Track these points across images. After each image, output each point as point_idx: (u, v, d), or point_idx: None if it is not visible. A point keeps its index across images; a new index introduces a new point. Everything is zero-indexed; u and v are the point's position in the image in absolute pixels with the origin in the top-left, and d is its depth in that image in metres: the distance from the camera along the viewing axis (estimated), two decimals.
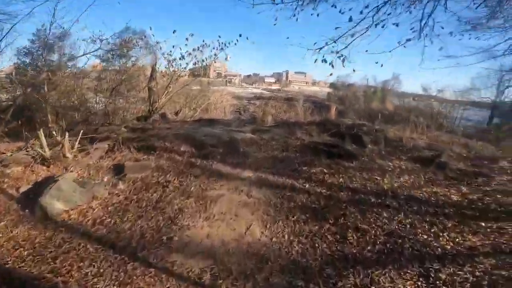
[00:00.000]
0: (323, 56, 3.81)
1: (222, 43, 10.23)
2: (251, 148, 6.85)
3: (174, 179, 5.16)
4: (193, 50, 11.30)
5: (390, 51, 4.27)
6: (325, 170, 5.83)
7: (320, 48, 3.81)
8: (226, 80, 75.37)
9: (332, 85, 46.24)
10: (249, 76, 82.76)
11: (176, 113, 13.74)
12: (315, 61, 3.90)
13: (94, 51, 10.60)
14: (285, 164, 6.04)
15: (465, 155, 8.11)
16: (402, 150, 8.17)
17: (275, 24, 4.01)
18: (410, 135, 10.47)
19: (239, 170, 5.65)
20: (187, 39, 10.06)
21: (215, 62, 11.71)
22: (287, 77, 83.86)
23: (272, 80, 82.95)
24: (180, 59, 11.50)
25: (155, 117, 11.66)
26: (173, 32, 10.32)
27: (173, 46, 11.39)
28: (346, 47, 3.79)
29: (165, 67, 12.64)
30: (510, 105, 27.63)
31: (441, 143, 10.02)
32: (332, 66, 3.78)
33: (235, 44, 10.13)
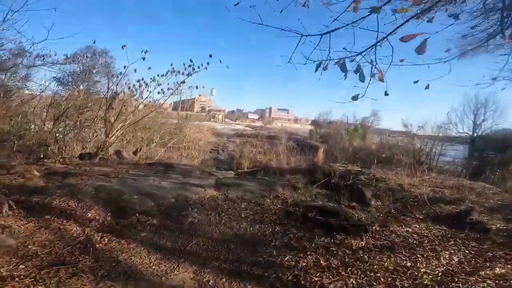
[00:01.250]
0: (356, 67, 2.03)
1: (189, 66, 8.30)
2: (206, 217, 4.49)
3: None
4: (158, 76, 9.26)
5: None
6: (322, 262, 3.52)
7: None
8: (210, 115, 74.29)
9: (313, 122, 45.63)
10: (232, 111, 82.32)
11: (136, 152, 11.32)
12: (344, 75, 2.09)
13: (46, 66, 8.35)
14: (255, 251, 3.69)
15: (486, 204, 6.27)
16: (414, 204, 6.23)
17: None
18: (410, 181, 8.61)
19: (172, 263, 3.23)
20: (143, 58, 8.02)
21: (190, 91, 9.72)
22: (270, 114, 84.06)
23: (256, 116, 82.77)
24: (140, 86, 9.36)
25: (104, 155, 9.22)
26: (144, 53, 7.96)
27: (125, 67, 9.11)
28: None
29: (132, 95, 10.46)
30: (490, 138, 27.33)
31: (447, 189, 8.19)
32: (362, 80, 1.98)
33: (206, 68, 8.21)
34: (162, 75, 9.01)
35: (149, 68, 8.86)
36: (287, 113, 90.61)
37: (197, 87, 9.94)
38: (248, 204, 5.14)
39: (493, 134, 27.53)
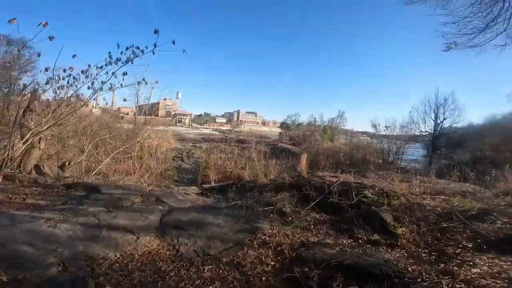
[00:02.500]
0: None
1: (127, 49, 5.65)
2: None
3: None
4: (89, 67, 6.40)
5: None
6: None
7: None
8: (176, 120, 69.82)
9: (283, 125, 44.24)
10: (200, 115, 78.43)
11: (63, 166, 8.28)
12: None
13: None
14: None
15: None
16: (447, 227, 4.51)
17: None
18: (408, 190, 7.03)
19: None
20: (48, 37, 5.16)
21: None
22: (238, 117, 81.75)
23: (224, 120, 79.89)
24: (65, 82, 6.47)
25: (12, 171, 6.33)
26: (43, 26, 5.08)
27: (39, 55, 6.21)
28: None
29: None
30: (448, 137, 27.86)
31: (452, 196, 6.89)
32: None
33: (153, 52, 5.62)
34: (100, 67, 6.25)
35: (74, 55, 6.03)
36: (255, 116, 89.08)
37: (144, 80, 7.32)
38: (216, 269, 2.74)
39: (452, 133, 28.16)
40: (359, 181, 6.59)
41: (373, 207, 4.81)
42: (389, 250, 3.75)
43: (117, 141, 15.04)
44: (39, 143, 8.99)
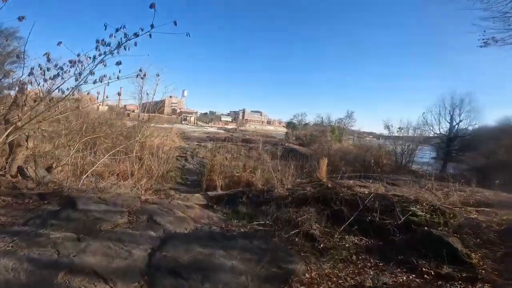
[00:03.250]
0: None
1: (117, 30, 4.52)
2: None
3: None
4: (78, 56, 5.29)
5: None
6: None
7: None
8: (181, 118, 68.84)
9: (290, 125, 42.93)
10: (205, 114, 77.42)
11: (49, 168, 7.23)
12: None
13: None
14: None
15: None
16: None
17: None
18: (448, 201, 5.93)
19: None
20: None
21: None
22: (243, 116, 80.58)
23: (229, 118, 78.80)
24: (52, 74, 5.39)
25: None
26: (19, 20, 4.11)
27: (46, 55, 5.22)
28: None
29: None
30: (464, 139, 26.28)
31: (497, 208, 5.77)
32: None
33: (149, 35, 4.50)
34: (93, 57, 5.15)
35: (59, 43, 4.92)
36: (260, 115, 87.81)
37: (141, 71, 6.19)
38: None
39: (468, 135, 26.59)
40: (399, 194, 5.38)
41: (437, 233, 3.61)
42: (469, 287, 2.66)
43: (117, 139, 14.05)
44: (27, 141, 7.96)
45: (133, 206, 4.04)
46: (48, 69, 5.17)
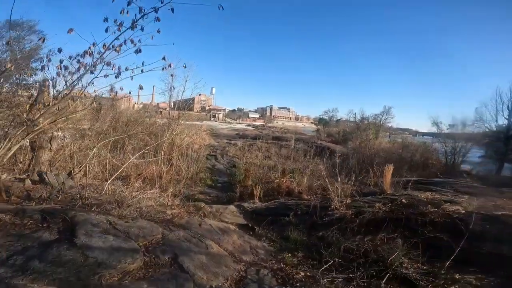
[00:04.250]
0: None
1: (141, 11, 3.51)
2: None
3: None
4: (93, 46, 4.40)
5: None
6: None
7: None
8: (210, 115, 69.32)
9: (321, 121, 40.68)
10: (233, 110, 77.22)
11: (70, 173, 6.54)
12: None
13: None
14: None
15: None
16: None
17: None
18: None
19: None
20: None
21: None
22: (271, 112, 79.08)
23: (256, 115, 77.81)
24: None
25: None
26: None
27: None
28: None
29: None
30: None
31: None
32: None
33: (172, 10, 3.42)
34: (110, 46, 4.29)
35: (71, 30, 4.10)
36: (288, 111, 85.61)
37: (166, 60, 5.14)
38: None
39: None
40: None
41: None
42: None
43: (148, 138, 13.52)
44: (50, 143, 7.43)
45: (152, 238, 2.96)
46: (61, 62, 4.37)
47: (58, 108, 4.58)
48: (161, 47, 4.38)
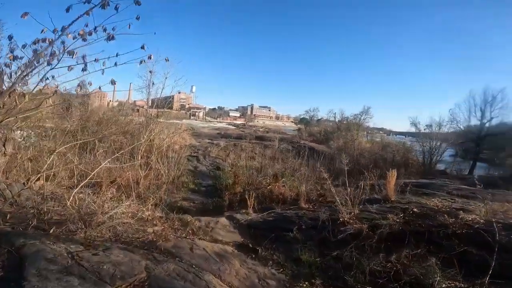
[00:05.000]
0: None
1: None
2: None
3: None
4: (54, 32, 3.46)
5: None
6: None
7: None
8: (190, 113, 67.24)
9: (303, 120, 40.74)
10: (214, 109, 75.59)
11: (28, 181, 5.47)
12: None
13: None
14: None
15: None
16: None
17: None
18: None
19: None
20: None
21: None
22: (251, 111, 78.50)
23: (237, 114, 76.84)
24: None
25: None
26: None
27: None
28: None
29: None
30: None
31: None
32: None
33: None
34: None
35: (25, 14, 3.16)
36: (269, 110, 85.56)
37: (144, 49, 4.32)
38: None
39: (500, 134, 24.07)
40: None
41: None
42: None
43: (124, 138, 12.32)
44: (4, 146, 6.22)
45: (133, 278, 2.20)
46: (12, 51, 3.45)
47: (2, 106, 3.60)
48: (139, 40, 3.57)
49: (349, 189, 4.51)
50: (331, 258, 3.23)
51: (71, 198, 5.36)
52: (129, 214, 4.29)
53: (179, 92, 65.68)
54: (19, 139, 9.07)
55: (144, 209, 4.59)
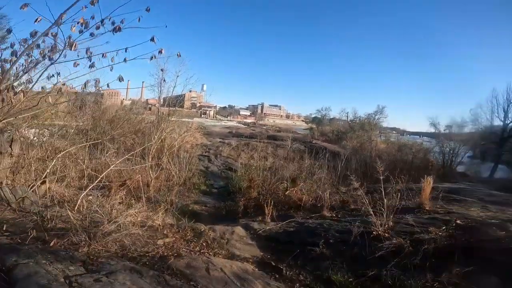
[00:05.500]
0: None
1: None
2: None
3: None
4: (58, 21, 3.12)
5: None
6: None
7: None
8: (201, 112, 67.35)
9: (315, 120, 39.82)
10: (224, 108, 75.54)
11: (34, 184, 5.22)
12: None
13: None
14: None
15: None
16: None
17: None
18: None
19: None
20: None
21: None
22: (262, 110, 78.00)
23: (247, 112, 76.54)
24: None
25: None
26: None
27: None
28: None
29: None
30: None
31: None
32: None
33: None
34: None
35: (25, 5, 2.81)
36: (279, 109, 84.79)
37: (154, 41, 3.95)
38: None
39: None
40: None
41: None
42: None
43: (136, 137, 12.14)
44: (10, 147, 6.01)
45: None
46: (12, 46, 3.15)
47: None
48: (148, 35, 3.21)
49: (385, 200, 3.97)
50: (368, 279, 2.76)
51: (78, 202, 5.10)
52: (138, 223, 3.93)
53: (190, 91, 65.99)
54: (32, 137, 8.99)
55: (155, 217, 4.23)
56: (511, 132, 23.42)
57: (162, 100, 21.93)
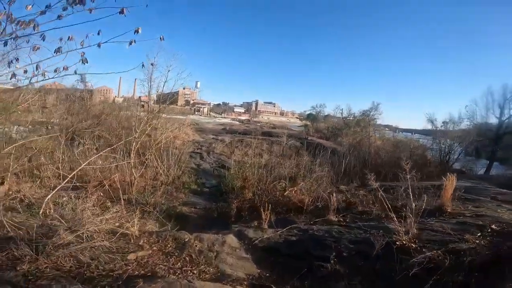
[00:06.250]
0: None
1: None
2: None
3: None
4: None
5: None
6: None
7: None
8: (195, 109, 66.15)
9: (309, 116, 39.29)
10: (218, 105, 74.42)
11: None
12: None
13: None
14: None
15: None
16: None
17: None
18: None
19: None
20: None
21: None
22: (256, 107, 77.16)
23: (242, 109, 75.61)
24: None
25: None
26: None
27: None
28: None
29: None
30: None
31: None
32: None
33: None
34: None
35: None
36: (274, 106, 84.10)
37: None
38: None
39: None
40: None
41: None
42: None
43: (124, 134, 11.22)
44: None
45: None
46: None
47: None
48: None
49: (413, 204, 3.30)
50: None
51: (43, 205, 4.33)
52: (105, 231, 3.17)
53: (184, 88, 64.61)
54: (14, 135, 8.12)
55: (129, 224, 3.48)
56: (506, 129, 23.28)
57: (155, 96, 20.96)
